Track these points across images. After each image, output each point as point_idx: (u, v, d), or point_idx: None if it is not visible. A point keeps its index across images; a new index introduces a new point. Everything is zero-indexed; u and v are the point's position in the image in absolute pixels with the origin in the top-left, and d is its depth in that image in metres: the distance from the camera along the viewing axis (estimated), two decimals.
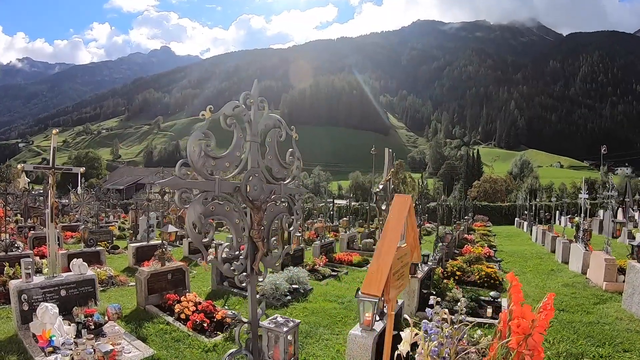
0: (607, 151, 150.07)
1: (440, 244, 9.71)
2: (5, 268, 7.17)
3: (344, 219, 27.79)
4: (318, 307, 6.66)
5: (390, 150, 6.08)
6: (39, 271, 8.33)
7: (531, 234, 20.37)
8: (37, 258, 9.21)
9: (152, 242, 11.23)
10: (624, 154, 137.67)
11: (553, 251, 13.77)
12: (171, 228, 15.56)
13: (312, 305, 6.79)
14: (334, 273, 9.86)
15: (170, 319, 5.88)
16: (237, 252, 2.60)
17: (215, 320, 5.63)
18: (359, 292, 3.66)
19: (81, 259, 6.28)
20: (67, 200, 36.82)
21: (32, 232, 13.42)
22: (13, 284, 5.47)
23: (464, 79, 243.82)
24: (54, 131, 6.92)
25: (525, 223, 25.40)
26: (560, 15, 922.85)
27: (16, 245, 9.00)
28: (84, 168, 8.12)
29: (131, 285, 8.12)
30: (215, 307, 5.98)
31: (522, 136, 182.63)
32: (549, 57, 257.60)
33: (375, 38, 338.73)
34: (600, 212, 24.18)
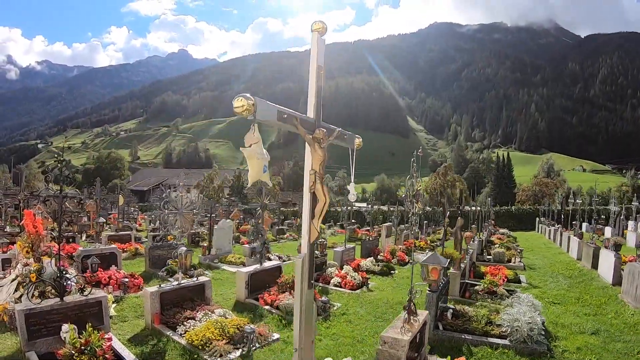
0: (629, 154, 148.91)
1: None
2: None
3: (387, 224, 26.97)
4: None
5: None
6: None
7: (560, 244, 18.41)
8: (108, 295, 6.49)
9: (267, 264, 9.04)
10: None
11: (617, 284, 9.66)
12: None
13: None
14: None
15: None
16: None
17: None
18: None
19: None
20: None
21: (79, 248, 10.53)
22: None
23: (483, 81, 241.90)
24: None
25: (549, 229, 23.31)
26: (578, 15, 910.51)
27: (66, 276, 5.71)
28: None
29: (274, 341, 5.90)
30: None
31: (543, 139, 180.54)
32: (568, 58, 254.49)
33: (393, 40, 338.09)
34: (631, 222, 22.66)
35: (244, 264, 11.41)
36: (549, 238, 22.86)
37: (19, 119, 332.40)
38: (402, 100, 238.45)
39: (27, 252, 7.15)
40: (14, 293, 6.53)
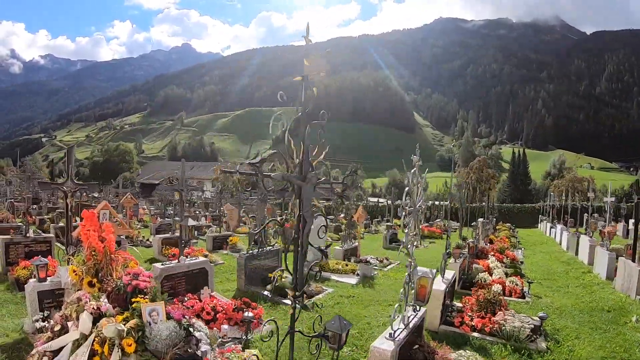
0: (636, 152, 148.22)
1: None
2: None
3: (438, 221, 26.06)
4: None
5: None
6: None
7: (564, 245, 17.60)
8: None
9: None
10: None
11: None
12: None
13: None
14: None
15: None
16: None
17: None
18: None
19: None
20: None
21: (158, 266, 7.10)
22: None
23: (488, 77, 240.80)
24: None
25: (552, 228, 22.63)
26: (583, 11, 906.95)
27: (196, 335, 3.86)
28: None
29: None
30: None
31: (550, 136, 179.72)
32: (573, 55, 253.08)
33: (397, 35, 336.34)
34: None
35: (354, 272, 10.02)
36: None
37: (22, 112, 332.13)
38: (408, 95, 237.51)
39: (91, 283, 4.28)
40: None
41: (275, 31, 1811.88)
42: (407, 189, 4.50)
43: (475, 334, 6.03)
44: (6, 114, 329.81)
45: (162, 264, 6.70)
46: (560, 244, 17.95)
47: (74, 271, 4.43)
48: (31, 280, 5.90)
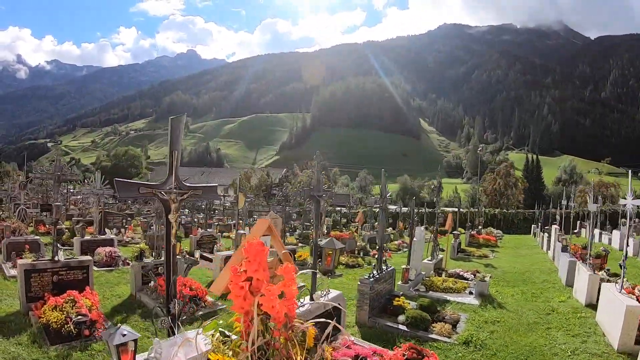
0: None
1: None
2: None
3: (490, 228, 24.99)
4: None
5: None
6: None
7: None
8: None
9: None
10: None
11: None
12: None
13: None
14: None
15: None
16: None
17: None
18: None
19: None
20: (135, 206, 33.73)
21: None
22: None
23: (493, 83, 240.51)
24: None
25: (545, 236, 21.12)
26: (587, 16, 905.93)
27: None
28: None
29: None
30: None
31: (556, 141, 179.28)
32: (577, 60, 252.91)
33: (402, 41, 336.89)
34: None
35: (465, 290, 9.04)
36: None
37: (28, 117, 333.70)
38: (413, 101, 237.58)
39: None
40: None
41: (280, 37, 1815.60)
42: None
43: None
44: (12, 119, 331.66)
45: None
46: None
47: None
48: None
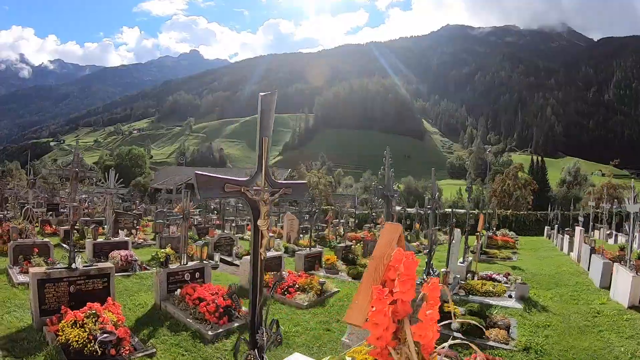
0: None
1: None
2: None
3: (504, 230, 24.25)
4: None
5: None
6: None
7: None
8: None
9: None
10: None
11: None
12: None
13: None
14: None
15: None
16: None
17: None
18: None
19: None
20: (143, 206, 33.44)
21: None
22: None
23: (497, 84, 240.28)
24: None
25: (561, 238, 20.54)
26: (590, 18, 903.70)
27: None
28: None
29: None
30: None
31: (559, 143, 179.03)
32: (581, 62, 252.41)
33: (405, 42, 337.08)
34: None
35: (505, 293, 8.80)
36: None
37: (31, 116, 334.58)
38: (416, 102, 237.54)
39: None
40: None
41: (283, 38, 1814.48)
42: None
43: None
44: (15, 118, 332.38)
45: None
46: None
47: None
48: None
